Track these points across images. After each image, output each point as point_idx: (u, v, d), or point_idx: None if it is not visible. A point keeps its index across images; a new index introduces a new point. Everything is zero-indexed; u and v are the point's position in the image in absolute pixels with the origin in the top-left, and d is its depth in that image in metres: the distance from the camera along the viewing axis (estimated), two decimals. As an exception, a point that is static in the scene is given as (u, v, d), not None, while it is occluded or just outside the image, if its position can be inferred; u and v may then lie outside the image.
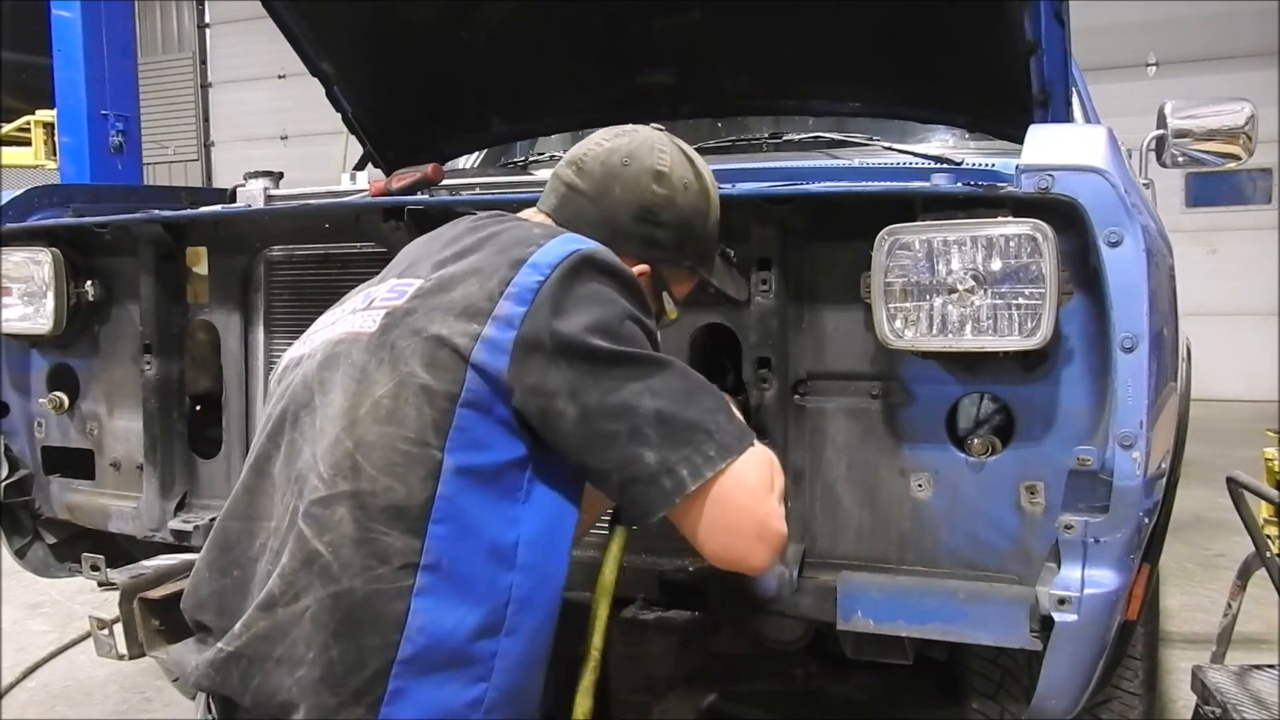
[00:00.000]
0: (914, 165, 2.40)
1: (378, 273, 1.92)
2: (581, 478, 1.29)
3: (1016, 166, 1.48)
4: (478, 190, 2.02)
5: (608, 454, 1.22)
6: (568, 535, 1.28)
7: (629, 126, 1.50)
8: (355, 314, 1.33)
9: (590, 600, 1.36)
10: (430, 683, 1.16)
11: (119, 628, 1.84)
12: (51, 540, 2.43)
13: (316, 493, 1.21)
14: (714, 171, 1.56)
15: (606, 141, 1.47)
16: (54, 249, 2.17)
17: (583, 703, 1.28)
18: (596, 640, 1.29)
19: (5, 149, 11.09)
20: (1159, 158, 2.89)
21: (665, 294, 1.49)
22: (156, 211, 2.29)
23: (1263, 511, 3.24)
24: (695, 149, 1.54)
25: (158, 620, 1.79)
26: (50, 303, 2.17)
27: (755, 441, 1.29)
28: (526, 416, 1.22)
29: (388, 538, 1.17)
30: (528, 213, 1.52)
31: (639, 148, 1.45)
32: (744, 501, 1.25)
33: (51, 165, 10.68)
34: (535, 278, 1.25)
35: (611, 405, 1.21)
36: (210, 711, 1.27)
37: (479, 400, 1.21)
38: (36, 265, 2.19)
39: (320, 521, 1.19)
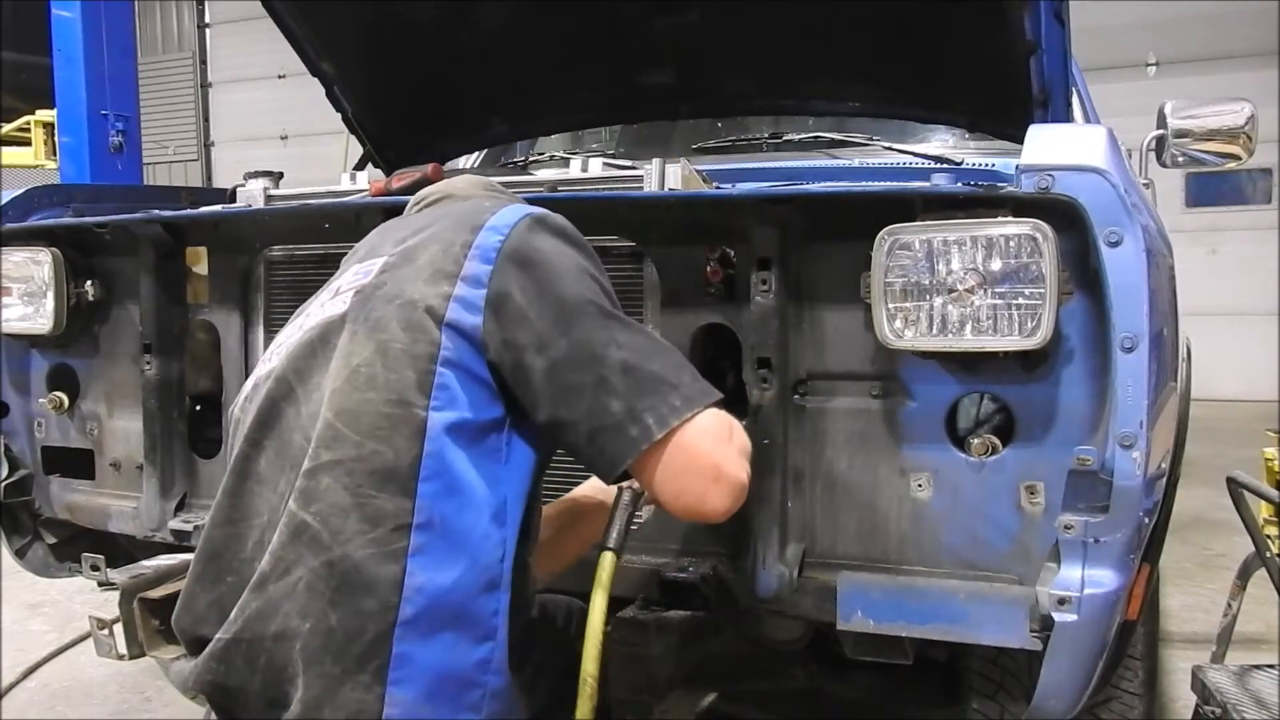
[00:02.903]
0: (914, 165, 2.40)
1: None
2: (552, 442, 1.31)
3: (1016, 166, 1.47)
4: (478, 190, 2.01)
5: (576, 405, 1.23)
6: (537, 499, 1.32)
7: None
8: (323, 307, 1.36)
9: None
10: (436, 644, 1.16)
11: (119, 628, 1.84)
12: (51, 540, 2.43)
13: (302, 468, 1.22)
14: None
15: None
16: (54, 249, 2.17)
17: None
18: (590, 666, 1.29)
19: (5, 149, 11.10)
20: (1159, 158, 2.89)
21: None
22: (156, 211, 2.29)
23: (1263, 511, 3.24)
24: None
25: (158, 620, 1.79)
26: (50, 303, 2.17)
27: (718, 400, 1.30)
28: (502, 373, 1.24)
29: (378, 500, 1.18)
30: None
31: None
32: (702, 445, 1.26)
33: (51, 165, 10.68)
34: (496, 238, 1.29)
35: (579, 356, 1.24)
36: None
37: (457, 359, 1.23)
38: (36, 265, 2.19)
39: (307, 494, 1.20)
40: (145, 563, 2.04)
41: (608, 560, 1.33)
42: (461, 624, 1.18)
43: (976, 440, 1.56)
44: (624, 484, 1.39)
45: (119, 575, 1.97)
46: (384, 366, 1.22)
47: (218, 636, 1.21)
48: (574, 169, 1.94)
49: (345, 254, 1.83)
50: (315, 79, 2.75)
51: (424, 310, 1.24)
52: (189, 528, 2.08)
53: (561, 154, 3.08)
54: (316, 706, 1.14)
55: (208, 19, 13.83)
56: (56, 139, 9.01)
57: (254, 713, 1.21)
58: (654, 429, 1.23)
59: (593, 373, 1.23)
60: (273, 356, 1.39)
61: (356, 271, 1.36)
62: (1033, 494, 1.55)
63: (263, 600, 1.19)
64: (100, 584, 2.27)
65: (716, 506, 1.28)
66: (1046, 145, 1.51)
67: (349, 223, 1.92)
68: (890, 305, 1.53)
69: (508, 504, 1.24)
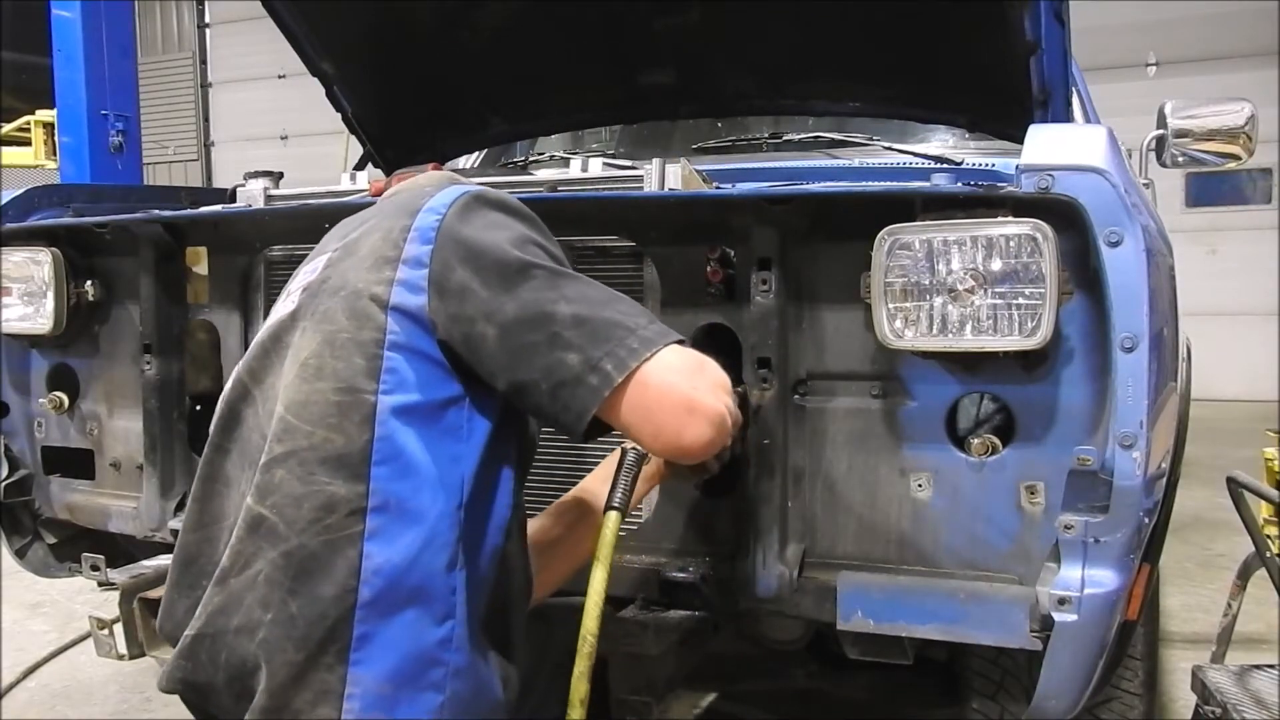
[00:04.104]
0: (914, 165, 2.41)
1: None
2: (519, 412, 1.30)
3: (1016, 166, 1.47)
4: (478, 190, 2.01)
5: (533, 365, 1.22)
6: (511, 476, 1.30)
7: None
8: (276, 310, 1.38)
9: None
10: (397, 623, 1.16)
11: (119, 628, 1.84)
12: (51, 540, 2.43)
13: (259, 464, 1.22)
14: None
15: None
16: (54, 249, 2.17)
17: (579, 687, 1.28)
18: (590, 624, 1.28)
19: (5, 149, 11.09)
20: (1159, 158, 2.89)
21: None
22: (156, 211, 2.29)
23: (1263, 511, 3.24)
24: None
25: (158, 620, 1.79)
26: (50, 303, 2.17)
27: (681, 340, 1.28)
28: (454, 348, 1.24)
29: (331, 487, 1.18)
30: None
31: None
32: (669, 380, 1.23)
33: (51, 165, 10.68)
34: (434, 218, 1.29)
35: (528, 316, 1.23)
36: None
37: (405, 342, 1.23)
38: (36, 265, 2.19)
39: (262, 488, 1.20)
40: (145, 563, 2.05)
41: (612, 519, 1.32)
42: (421, 602, 1.18)
43: (976, 440, 1.56)
44: (626, 444, 1.38)
45: (119, 575, 1.97)
46: (332, 356, 1.23)
47: (185, 634, 1.22)
48: (574, 169, 1.94)
49: None
50: (315, 79, 2.75)
51: (368, 298, 1.24)
52: (189, 528, 2.08)
53: (561, 154, 3.08)
54: (282, 693, 1.15)
55: (208, 19, 13.83)
56: (56, 139, 9.01)
57: (225, 708, 1.21)
58: (613, 374, 1.21)
59: (545, 330, 1.22)
60: (240, 366, 1.40)
61: (305, 274, 1.37)
62: (1033, 494, 1.55)
63: (224, 595, 1.20)
64: (100, 584, 2.27)
65: (696, 439, 1.25)
66: (1046, 145, 1.51)
67: (349, 223, 1.92)
68: (890, 305, 1.53)
69: (466, 481, 1.23)
